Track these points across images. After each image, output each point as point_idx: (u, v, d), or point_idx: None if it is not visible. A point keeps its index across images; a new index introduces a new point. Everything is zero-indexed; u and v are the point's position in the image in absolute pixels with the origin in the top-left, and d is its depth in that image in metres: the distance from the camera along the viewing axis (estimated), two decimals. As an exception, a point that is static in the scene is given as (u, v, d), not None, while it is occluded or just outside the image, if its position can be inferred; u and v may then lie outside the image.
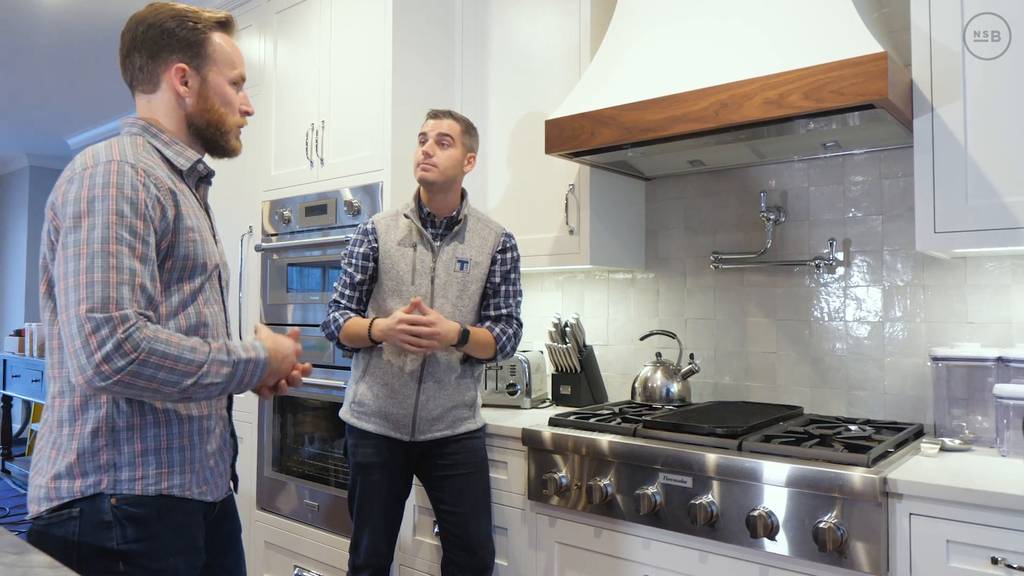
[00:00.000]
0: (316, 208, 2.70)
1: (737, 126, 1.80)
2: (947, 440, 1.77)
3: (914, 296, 2.04)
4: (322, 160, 2.74)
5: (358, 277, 1.99)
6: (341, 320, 1.95)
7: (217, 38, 1.35)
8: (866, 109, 1.65)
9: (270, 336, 1.35)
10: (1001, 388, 1.70)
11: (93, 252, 1.12)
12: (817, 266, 2.18)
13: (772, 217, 2.24)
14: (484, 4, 2.64)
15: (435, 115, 2.00)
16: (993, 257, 1.92)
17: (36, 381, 5.39)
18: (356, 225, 2.46)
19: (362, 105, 2.60)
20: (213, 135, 1.36)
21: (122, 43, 1.33)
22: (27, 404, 6.67)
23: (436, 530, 2.16)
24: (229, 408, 1.43)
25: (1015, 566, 1.33)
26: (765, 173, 2.31)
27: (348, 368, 2.56)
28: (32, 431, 6.27)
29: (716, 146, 2.07)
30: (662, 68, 1.99)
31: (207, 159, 1.40)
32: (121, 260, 1.13)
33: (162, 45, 1.30)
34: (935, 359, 1.88)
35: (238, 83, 1.38)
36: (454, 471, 1.97)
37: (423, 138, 1.98)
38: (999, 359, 1.78)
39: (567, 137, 2.07)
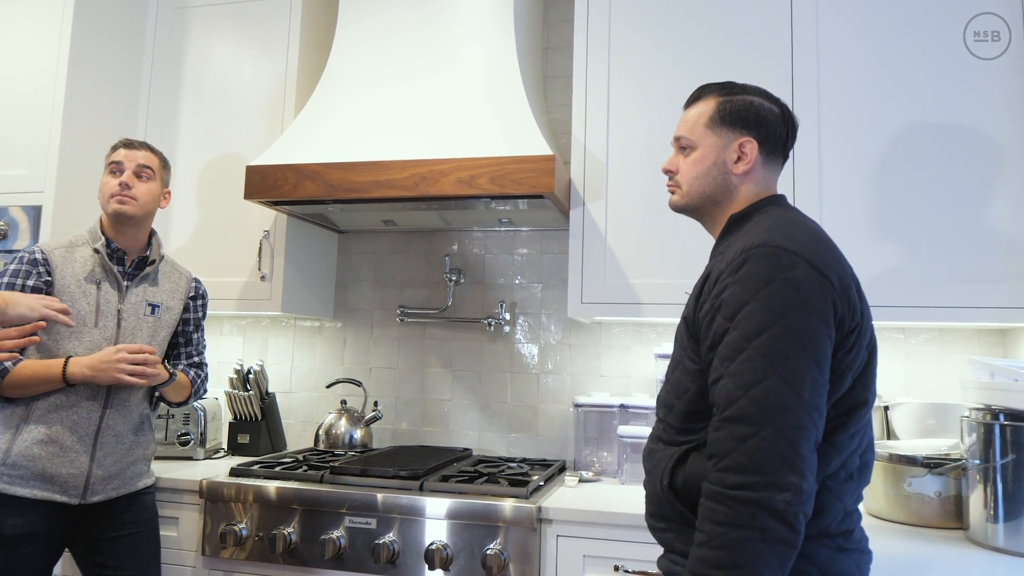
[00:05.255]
0: (-60, 225, 2.25)
1: (432, 197, 2.02)
2: (584, 473, 2.16)
3: (563, 353, 2.46)
4: (-49, 170, 2.31)
5: None
6: (8, 364, 1.65)
7: None
8: (536, 198, 2.00)
9: None
10: (623, 429, 2.14)
11: None
12: (489, 324, 2.49)
13: (453, 278, 2.51)
14: (181, 31, 2.52)
15: (130, 145, 1.84)
16: (620, 324, 2.41)
17: None
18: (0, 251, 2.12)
19: (19, 119, 2.27)
20: None
21: None
22: None
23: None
24: None
25: (631, 571, 1.68)
26: (449, 238, 2.58)
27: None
28: None
29: (411, 211, 2.26)
30: (368, 133, 2.13)
31: None
32: None
33: None
34: (577, 406, 2.27)
35: None
36: (121, 531, 1.77)
37: (116, 167, 1.81)
38: (622, 406, 2.23)
39: (270, 186, 2.09)
